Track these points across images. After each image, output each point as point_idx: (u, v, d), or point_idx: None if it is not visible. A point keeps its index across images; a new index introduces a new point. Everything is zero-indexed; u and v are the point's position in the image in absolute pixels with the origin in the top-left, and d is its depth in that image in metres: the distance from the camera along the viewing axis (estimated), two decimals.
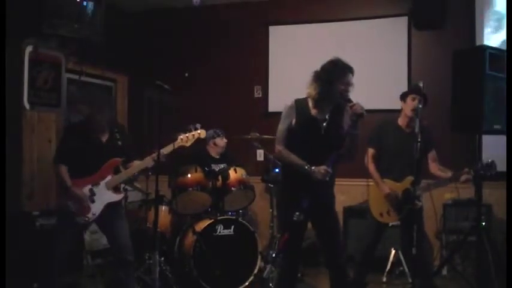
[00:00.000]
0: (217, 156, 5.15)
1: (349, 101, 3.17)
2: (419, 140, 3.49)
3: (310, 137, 3.26)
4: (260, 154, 5.81)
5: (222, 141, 5.14)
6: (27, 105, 4.92)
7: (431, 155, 4.06)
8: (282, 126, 3.34)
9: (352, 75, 3.26)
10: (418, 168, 3.85)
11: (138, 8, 6.38)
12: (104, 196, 3.63)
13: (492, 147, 4.35)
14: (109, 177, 3.66)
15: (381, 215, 4.03)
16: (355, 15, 5.81)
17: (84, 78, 5.72)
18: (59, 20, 4.79)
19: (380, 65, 5.68)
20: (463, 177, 3.81)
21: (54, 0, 4.76)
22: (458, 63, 4.11)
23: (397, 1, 5.68)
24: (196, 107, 6.08)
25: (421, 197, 3.95)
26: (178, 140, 3.74)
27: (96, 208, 3.60)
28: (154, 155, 3.61)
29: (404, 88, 5.56)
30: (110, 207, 3.66)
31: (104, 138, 3.70)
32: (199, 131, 3.81)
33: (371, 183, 4.18)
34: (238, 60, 6.21)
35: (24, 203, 4.79)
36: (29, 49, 4.91)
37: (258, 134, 5.11)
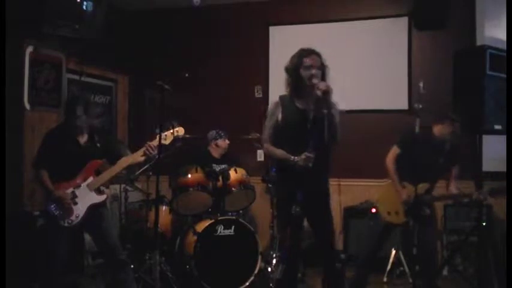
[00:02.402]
0: (219, 157, 5.15)
1: (313, 82, 3.10)
2: (443, 149, 3.42)
3: (299, 129, 3.18)
4: (260, 154, 5.81)
5: (224, 143, 5.13)
6: (27, 106, 4.93)
7: (454, 171, 3.94)
8: (267, 124, 3.33)
9: (319, 57, 3.20)
10: (435, 177, 3.83)
11: (138, 8, 6.38)
12: (86, 198, 3.60)
13: (492, 148, 4.35)
14: (91, 179, 3.64)
15: (388, 213, 3.98)
16: (355, 15, 5.81)
17: (84, 79, 5.72)
18: (59, 20, 4.79)
19: (380, 65, 5.68)
20: (474, 196, 3.78)
21: (54, 0, 4.76)
22: (458, 64, 4.11)
23: (398, 1, 5.68)
24: (196, 107, 6.08)
25: (430, 205, 3.91)
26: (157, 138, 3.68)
27: (80, 210, 3.57)
28: (134, 155, 3.64)
29: (405, 88, 5.60)
30: (94, 209, 3.63)
31: (83, 140, 3.68)
32: (177, 129, 3.73)
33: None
34: (239, 60, 6.21)
35: (25, 203, 4.79)
36: (29, 49, 4.92)
37: (258, 134, 5.09)
